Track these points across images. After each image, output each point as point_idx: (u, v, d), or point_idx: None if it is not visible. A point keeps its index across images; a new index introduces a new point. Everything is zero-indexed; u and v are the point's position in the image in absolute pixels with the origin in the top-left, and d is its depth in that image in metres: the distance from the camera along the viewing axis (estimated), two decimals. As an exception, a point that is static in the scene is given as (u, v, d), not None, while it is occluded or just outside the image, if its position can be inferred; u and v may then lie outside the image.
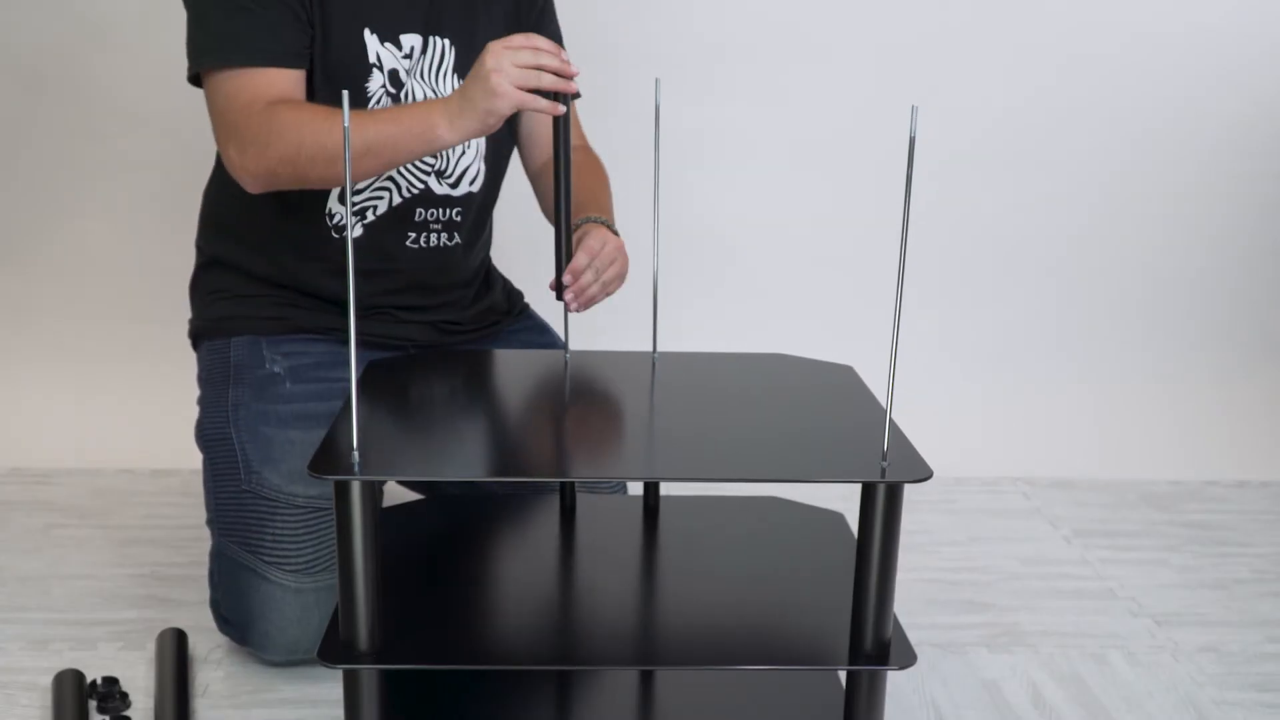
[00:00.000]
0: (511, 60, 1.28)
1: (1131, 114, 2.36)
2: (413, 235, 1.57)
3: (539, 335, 1.74)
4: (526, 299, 1.80)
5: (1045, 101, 2.34)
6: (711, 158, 2.33)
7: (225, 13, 1.40)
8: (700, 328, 2.18)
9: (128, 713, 1.39)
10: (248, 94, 1.40)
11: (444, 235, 1.60)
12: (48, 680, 1.45)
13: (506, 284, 1.78)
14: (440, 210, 1.58)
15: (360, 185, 1.51)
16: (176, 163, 2.20)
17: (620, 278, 1.48)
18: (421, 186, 1.56)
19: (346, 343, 1.60)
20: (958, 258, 2.40)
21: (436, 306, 1.64)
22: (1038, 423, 2.35)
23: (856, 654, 1.06)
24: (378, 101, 1.50)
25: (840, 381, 1.30)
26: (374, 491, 1.02)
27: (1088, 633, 1.66)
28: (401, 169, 1.53)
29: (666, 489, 1.40)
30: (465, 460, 1.12)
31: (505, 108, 1.30)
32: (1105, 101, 2.35)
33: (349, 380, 1.61)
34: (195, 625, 1.57)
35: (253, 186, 1.43)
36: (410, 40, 1.51)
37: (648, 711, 1.27)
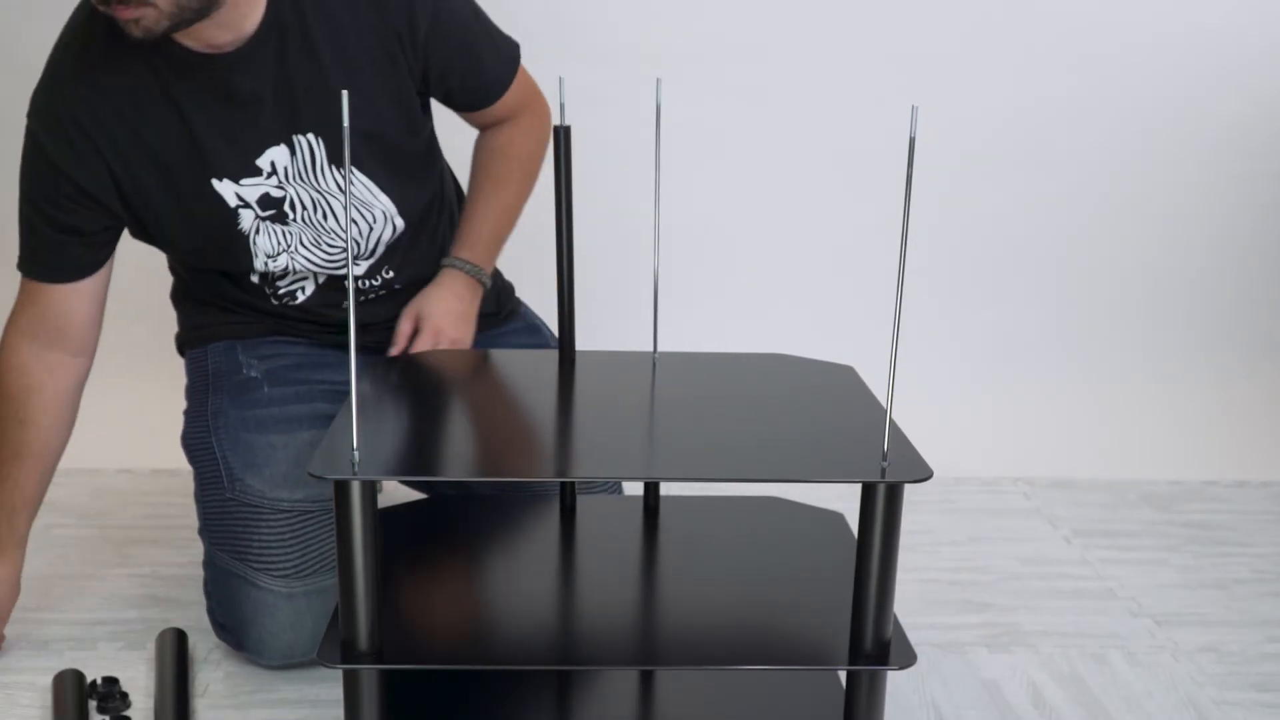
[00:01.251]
0: None
1: (1131, 114, 2.36)
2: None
3: (530, 337, 1.71)
4: (518, 292, 1.77)
5: (1045, 102, 2.34)
6: (712, 158, 2.33)
7: (24, 223, 1.44)
8: (700, 328, 2.18)
9: (128, 713, 1.39)
10: (20, 299, 1.47)
11: (382, 291, 1.58)
12: (48, 680, 1.45)
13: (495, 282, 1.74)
14: (366, 280, 1.56)
15: (279, 281, 1.54)
16: (176, 163, 2.20)
17: (452, 342, 1.52)
18: (336, 267, 1.53)
19: (325, 345, 1.60)
20: (958, 258, 2.40)
21: None
22: (1038, 423, 2.35)
23: (856, 654, 1.06)
24: (257, 234, 1.46)
25: (840, 381, 1.30)
26: (374, 491, 1.02)
27: (1088, 633, 1.66)
28: (306, 260, 1.50)
29: (666, 489, 1.40)
30: (465, 460, 1.12)
31: None
32: (1106, 102, 2.35)
33: (330, 382, 1.61)
34: (195, 625, 1.57)
35: None
36: (271, 156, 1.43)
37: (648, 711, 1.27)
